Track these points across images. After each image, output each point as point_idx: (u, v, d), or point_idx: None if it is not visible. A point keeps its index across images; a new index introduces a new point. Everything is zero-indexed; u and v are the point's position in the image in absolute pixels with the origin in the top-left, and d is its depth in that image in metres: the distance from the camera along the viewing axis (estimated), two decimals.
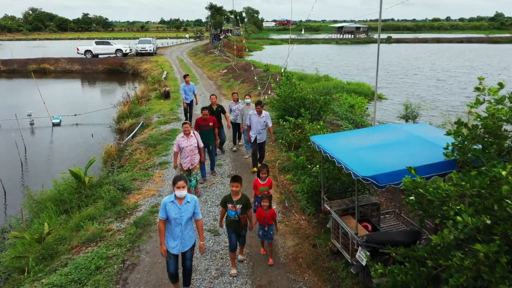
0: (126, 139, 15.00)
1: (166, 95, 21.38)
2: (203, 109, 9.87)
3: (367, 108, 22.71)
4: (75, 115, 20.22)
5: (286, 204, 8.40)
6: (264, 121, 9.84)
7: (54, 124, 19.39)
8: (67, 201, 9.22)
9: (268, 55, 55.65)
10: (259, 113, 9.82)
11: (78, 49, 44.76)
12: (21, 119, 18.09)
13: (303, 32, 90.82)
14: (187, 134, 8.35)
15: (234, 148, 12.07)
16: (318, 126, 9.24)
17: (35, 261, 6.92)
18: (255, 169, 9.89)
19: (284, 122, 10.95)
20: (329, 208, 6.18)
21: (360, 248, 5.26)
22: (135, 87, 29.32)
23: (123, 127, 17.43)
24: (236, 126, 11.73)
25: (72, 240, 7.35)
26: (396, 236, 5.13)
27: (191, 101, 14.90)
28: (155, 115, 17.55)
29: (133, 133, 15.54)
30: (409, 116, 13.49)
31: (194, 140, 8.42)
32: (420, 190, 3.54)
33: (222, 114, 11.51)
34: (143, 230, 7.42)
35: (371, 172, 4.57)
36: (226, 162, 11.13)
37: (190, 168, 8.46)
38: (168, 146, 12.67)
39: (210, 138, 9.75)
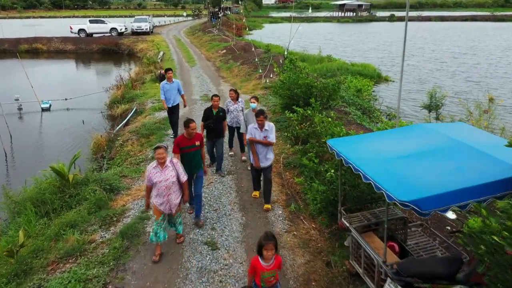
0: (117, 128, 13.92)
1: (161, 78, 20.13)
2: (188, 122, 6.69)
3: (373, 91, 21.63)
4: (66, 99, 19.03)
5: (294, 209, 7.43)
6: (266, 136, 7.17)
7: (43, 109, 18.21)
8: (49, 202, 8.24)
9: (268, 34, 53.89)
10: (261, 126, 7.10)
11: (71, 28, 42.98)
12: (8, 104, 16.96)
13: (310, 11, 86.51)
14: (161, 163, 5.76)
15: (231, 153, 10.17)
16: (329, 119, 8.21)
17: (6, 278, 6.02)
18: (257, 193, 7.88)
19: (291, 114, 9.64)
20: (348, 225, 5.21)
21: (389, 279, 4.32)
22: (130, 69, 28.09)
23: (115, 113, 16.32)
24: (233, 131, 9.74)
25: (49, 254, 6.41)
26: (435, 266, 4.16)
27: (176, 106, 11.16)
28: (149, 100, 16.50)
29: (125, 121, 14.47)
30: (433, 106, 12.37)
31: (172, 172, 5.81)
32: (495, 238, 2.55)
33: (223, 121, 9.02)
34: (130, 242, 6.47)
35: (411, 196, 3.55)
36: (225, 156, 10.10)
37: (169, 213, 6.02)
38: (162, 136, 11.65)
39: (197, 163, 6.86)
